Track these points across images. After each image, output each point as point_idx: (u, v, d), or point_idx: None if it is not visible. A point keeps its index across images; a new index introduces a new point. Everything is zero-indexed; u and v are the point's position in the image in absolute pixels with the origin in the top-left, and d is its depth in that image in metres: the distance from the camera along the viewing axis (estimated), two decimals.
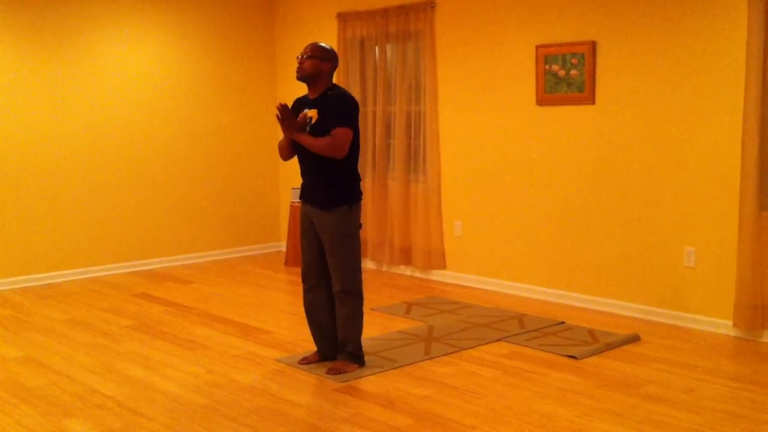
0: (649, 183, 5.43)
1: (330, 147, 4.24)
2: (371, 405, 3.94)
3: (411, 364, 4.56)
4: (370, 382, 4.28)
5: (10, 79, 6.63)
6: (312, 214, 4.42)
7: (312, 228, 4.44)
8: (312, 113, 4.33)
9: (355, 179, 4.43)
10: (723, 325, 5.12)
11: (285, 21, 8.14)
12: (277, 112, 4.28)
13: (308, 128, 4.32)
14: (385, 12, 6.94)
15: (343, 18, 7.32)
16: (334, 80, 4.55)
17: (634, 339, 5.01)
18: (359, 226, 4.46)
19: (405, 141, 6.99)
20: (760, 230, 4.86)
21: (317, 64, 4.35)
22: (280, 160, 8.18)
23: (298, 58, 4.41)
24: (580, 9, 5.70)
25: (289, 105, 4.40)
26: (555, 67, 5.85)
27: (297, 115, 4.43)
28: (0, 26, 6.53)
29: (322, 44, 4.42)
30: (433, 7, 6.63)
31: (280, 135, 8.06)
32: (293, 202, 7.61)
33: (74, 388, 4.23)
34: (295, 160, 4.56)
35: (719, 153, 5.07)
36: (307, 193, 4.45)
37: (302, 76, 4.38)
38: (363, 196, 4.60)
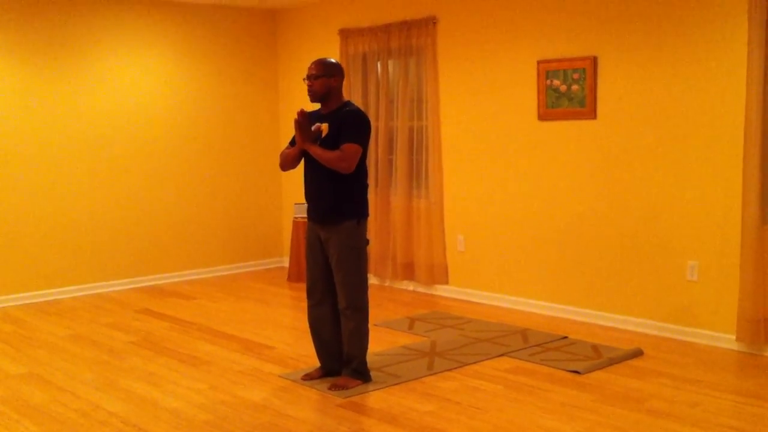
0: (652, 197, 5.44)
1: (338, 160, 4.25)
2: (374, 421, 3.94)
3: (414, 379, 4.55)
4: (372, 397, 4.28)
5: (15, 95, 6.66)
6: (320, 230, 4.43)
7: (318, 244, 4.45)
8: (324, 127, 4.36)
9: (364, 195, 4.45)
10: (726, 340, 5.11)
11: (288, 37, 8.18)
12: (297, 117, 4.30)
13: (318, 141, 4.34)
14: (387, 28, 6.97)
15: (346, 34, 7.36)
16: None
17: (638, 354, 5.00)
18: (367, 242, 4.48)
19: (407, 156, 7.00)
20: (762, 244, 4.86)
21: (326, 82, 4.37)
22: (283, 176, 8.21)
23: (305, 80, 4.42)
24: (582, 24, 5.73)
25: None
26: (556, 82, 5.87)
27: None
28: (8, 44, 6.58)
29: (326, 59, 4.43)
30: (434, 23, 6.67)
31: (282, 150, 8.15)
32: (296, 218, 7.63)
33: (78, 405, 4.23)
34: (296, 173, 4.57)
35: (721, 167, 5.08)
36: (314, 211, 4.45)
37: (315, 99, 4.42)
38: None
